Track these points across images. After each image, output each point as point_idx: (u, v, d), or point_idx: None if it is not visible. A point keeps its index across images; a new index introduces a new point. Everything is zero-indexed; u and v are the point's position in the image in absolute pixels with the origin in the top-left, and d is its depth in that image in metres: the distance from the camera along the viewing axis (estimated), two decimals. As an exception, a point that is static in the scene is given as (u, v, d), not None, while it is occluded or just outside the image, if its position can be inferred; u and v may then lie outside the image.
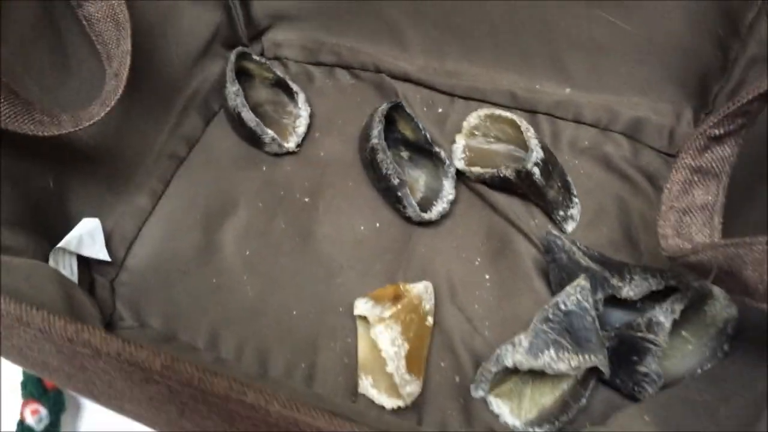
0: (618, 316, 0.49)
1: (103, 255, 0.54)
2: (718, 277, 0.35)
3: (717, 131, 0.39)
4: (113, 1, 0.50)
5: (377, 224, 0.58)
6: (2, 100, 0.42)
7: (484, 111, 0.58)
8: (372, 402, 0.48)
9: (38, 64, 0.49)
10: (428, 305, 0.51)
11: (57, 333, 0.28)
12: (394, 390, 0.47)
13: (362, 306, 0.50)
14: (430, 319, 0.51)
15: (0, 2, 0.45)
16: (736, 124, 0.38)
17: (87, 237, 0.53)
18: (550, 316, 0.46)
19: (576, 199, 0.56)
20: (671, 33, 0.54)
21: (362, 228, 0.58)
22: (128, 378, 0.29)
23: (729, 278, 0.34)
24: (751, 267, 0.31)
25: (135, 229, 0.58)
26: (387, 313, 0.48)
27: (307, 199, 0.60)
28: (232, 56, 0.62)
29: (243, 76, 0.65)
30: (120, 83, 0.50)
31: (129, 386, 0.30)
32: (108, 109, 0.49)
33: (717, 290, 0.45)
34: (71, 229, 0.52)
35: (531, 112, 0.62)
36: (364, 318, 0.51)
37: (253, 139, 0.62)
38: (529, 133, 0.54)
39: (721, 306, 0.45)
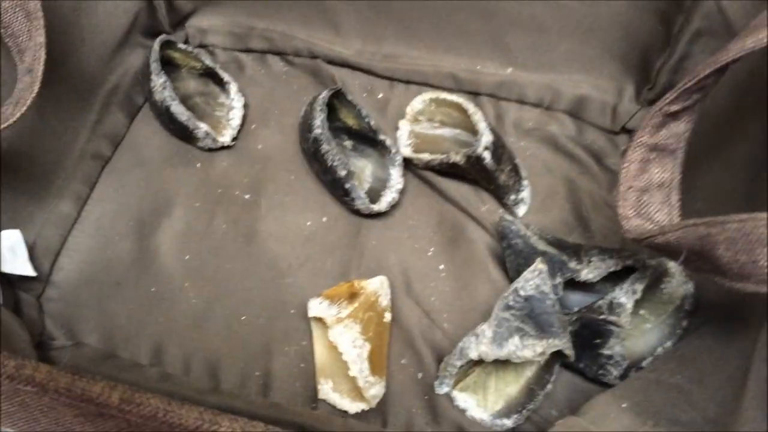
0: (577, 299, 0.49)
1: (27, 270, 0.49)
2: (687, 258, 0.34)
3: (674, 107, 0.38)
4: (22, -11, 0.45)
5: (324, 219, 0.55)
6: None
7: (429, 95, 0.56)
8: (334, 407, 0.46)
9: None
10: (385, 301, 0.49)
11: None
12: (356, 393, 0.46)
13: (317, 307, 0.48)
14: (388, 316, 0.49)
15: None
16: (693, 99, 0.38)
17: (7, 252, 0.48)
18: (511, 303, 0.45)
19: (526, 182, 0.55)
20: (612, 8, 0.53)
21: (309, 224, 0.55)
22: (79, 414, 0.26)
23: (699, 258, 0.34)
24: (723, 246, 0.31)
25: (60, 239, 0.53)
26: (344, 313, 0.46)
27: (247, 196, 0.57)
28: (156, 45, 0.57)
29: (168, 66, 0.60)
30: (35, 79, 0.45)
31: (80, 423, 0.27)
32: (24, 109, 0.44)
33: (673, 267, 0.46)
34: (-13, 245, 0.47)
35: (474, 93, 0.61)
36: (318, 319, 0.48)
37: (185, 135, 0.58)
38: (477, 117, 0.52)
39: (678, 283, 0.46)
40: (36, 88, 0.45)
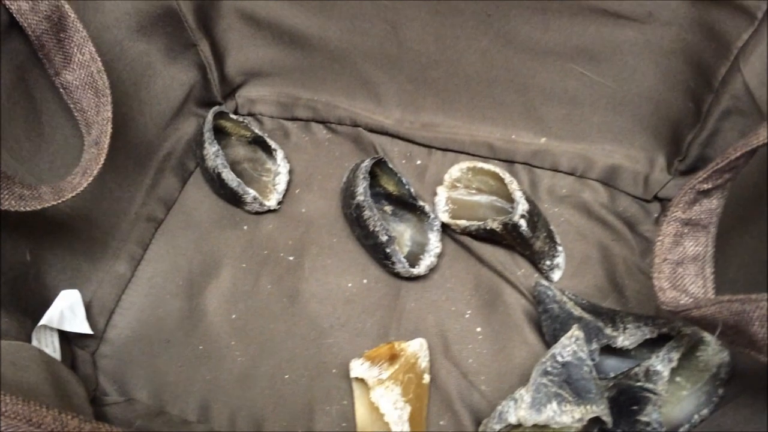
0: (613, 365, 0.50)
1: (84, 328, 0.52)
2: (723, 331, 0.36)
3: (705, 186, 0.40)
4: (92, 69, 0.49)
5: (365, 281, 0.58)
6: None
7: (466, 164, 0.59)
8: (375, 468, 0.47)
9: (13, 134, 0.48)
10: (424, 363, 0.51)
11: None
12: (397, 454, 0.47)
13: (358, 368, 0.49)
14: (426, 377, 0.50)
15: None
16: (723, 178, 0.40)
17: (68, 311, 0.51)
18: (549, 369, 0.46)
19: (560, 248, 0.57)
20: (642, 85, 0.56)
21: (350, 285, 0.57)
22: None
23: (734, 333, 0.35)
24: (758, 323, 0.32)
25: (115, 298, 0.56)
26: (385, 375, 0.48)
27: (291, 258, 0.59)
28: (210, 116, 0.61)
29: (219, 134, 0.64)
30: (101, 151, 0.48)
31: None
32: (91, 179, 0.47)
33: (708, 336, 0.47)
34: (50, 303, 0.50)
35: (509, 162, 0.64)
36: (360, 380, 0.50)
37: (234, 199, 0.61)
38: (513, 185, 0.55)
39: (713, 351, 0.46)
40: (102, 160, 0.48)
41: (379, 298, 0.57)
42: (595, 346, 0.48)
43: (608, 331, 0.48)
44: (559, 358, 0.46)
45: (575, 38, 0.55)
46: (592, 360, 0.47)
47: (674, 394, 0.48)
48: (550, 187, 0.62)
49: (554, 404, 0.44)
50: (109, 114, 0.49)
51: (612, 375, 0.49)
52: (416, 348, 0.51)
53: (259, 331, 0.55)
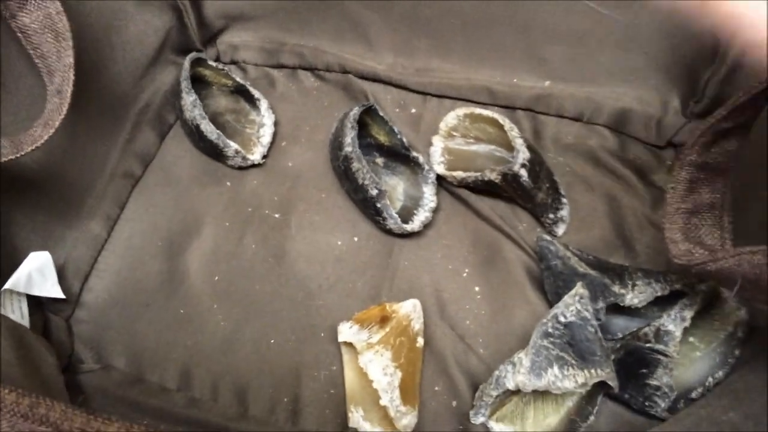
0: (621, 324, 0.46)
1: (55, 292, 0.49)
2: (741, 287, 0.32)
3: (725, 124, 0.36)
4: (50, 10, 0.44)
5: (355, 238, 0.54)
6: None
7: (463, 110, 0.55)
8: (365, 436, 0.45)
9: (-31, 83, 0.44)
10: (417, 325, 0.47)
11: (8, 409, 0.24)
12: (388, 422, 0.44)
13: (347, 331, 0.46)
14: (420, 341, 0.47)
15: None
16: (745, 116, 0.35)
17: (36, 274, 0.48)
18: (550, 330, 0.42)
19: (564, 200, 0.53)
20: (655, 19, 0.51)
21: (339, 243, 0.54)
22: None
23: (754, 288, 0.31)
24: (784, 279, 0.28)
25: (90, 260, 0.53)
26: (375, 338, 0.44)
27: (277, 215, 0.55)
28: (186, 63, 0.57)
29: (199, 83, 0.60)
30: (64, 101, 0.45)
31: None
32: (52, 131, 0.44)
33: (725, 292, 0.43)
34: (18, 266, 0.47)
35: (510, 108, 0.59)
36: (348, 344, 0.47)
37: (215, 153, 0.57)
38: (514, 133, 0.50)
39: (730, 309, 0.43)
40: (65, 110, 0.44)
41: (371, 256, 0.53)
42: (601, 304, 0.44)
43: (616, 288, 0.44)
44: (562, 319, 0.42)
45: (582, -32, 0.50)
46: (598, 320, 0.44)
47: (687, 355, 0.44)
48: (555, 135, 0.58)
49: (555, 368, 0.41)
50: (71, 60, 0.45)
51: (620, 335, 0.46)
52: (409, 309, 0.47)
53: (243, 294, 0.52)
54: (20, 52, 0.46)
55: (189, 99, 0.55)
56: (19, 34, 0.45)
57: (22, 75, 0.47)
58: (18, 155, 0.42)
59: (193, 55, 0.58)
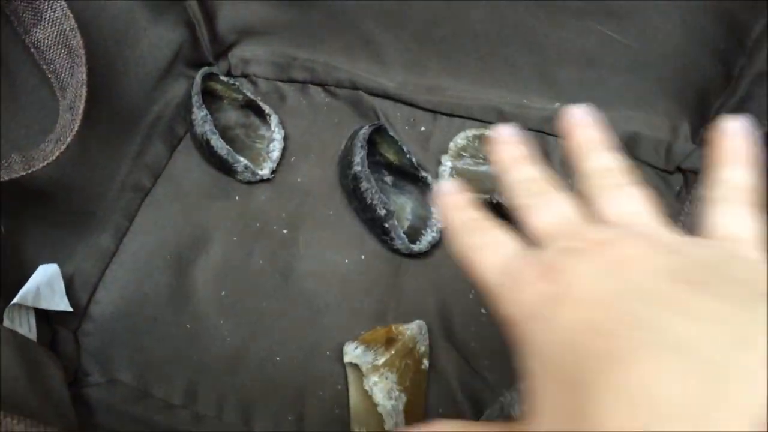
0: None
1: (63, 305, 0.49)
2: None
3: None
4: (65, 26, 0.45)
5: (362, 257, 0.54)
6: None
7: (473, 131, 0.55)
8: (368, 458, 0.45)
9: (-18, 98, 0.44)
10: (423, 347, 0.48)
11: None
12: (392, 445, 0.44)
13: (352, 352, 0.46)
14: (425, 363, 0.47)
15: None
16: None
17: (45, 287, 0.48)
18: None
19: (573, 223, 0.53)
20: (667, 45, 0.51)
21: (347, 261, 0.54)
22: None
23: None
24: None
25: (98, 273, 0.53)
26: (380, 360, 0.44)
27: (285, 231, 0.56)
28: (198, 78, 0.57)
29: (209, 97, 0.60)
30: (76, 117, 0.45)
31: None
32: (63, 147, 0.44)
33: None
34: (27, 279, 0.47)
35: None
36: (354, 365, 0.47)
37: (224, 167, 0.57)
38: (523, 156, 0.50)
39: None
40: (76, 126, 0.44)
41: (378, 276, 0.53)
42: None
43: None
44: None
45: (595, -8, 0.50)
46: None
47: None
48: (564, 157, 0.58)
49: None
50: (83, 76, 0.45)
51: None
52: (415, 332, 0.47)
53: (250, 310, 0.52)
54: (34, 65, 0.46)
55: (200, 114, 0.55)
56: (33, 50, 0.45)
57: (35, 89, 0.47)
58: (29, 171, 0.43)
59: (204, 69, 0.58)
